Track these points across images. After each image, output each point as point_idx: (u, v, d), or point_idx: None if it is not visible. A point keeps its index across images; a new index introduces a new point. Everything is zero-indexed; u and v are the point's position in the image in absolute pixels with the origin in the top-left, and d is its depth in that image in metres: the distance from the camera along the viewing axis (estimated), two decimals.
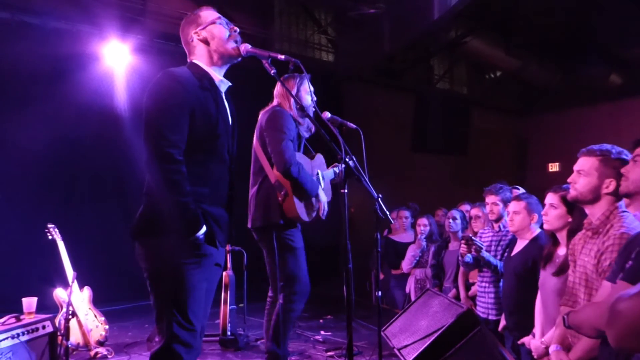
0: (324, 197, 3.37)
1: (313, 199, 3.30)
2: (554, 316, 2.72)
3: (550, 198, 2.86)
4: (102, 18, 6.09)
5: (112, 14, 6.13)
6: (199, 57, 2.29)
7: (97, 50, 6.21)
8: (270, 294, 3.44)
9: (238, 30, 2.33)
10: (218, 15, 2.32)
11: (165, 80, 2.15)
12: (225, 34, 2.28)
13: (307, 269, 3.28)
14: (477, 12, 8.60)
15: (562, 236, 2.85)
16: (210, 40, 2.27)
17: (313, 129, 3.37)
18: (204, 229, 2.09)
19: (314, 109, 3.12)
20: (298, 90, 3.28)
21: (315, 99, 3.12)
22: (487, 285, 3.82)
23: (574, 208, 2.68)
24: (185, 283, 2.09)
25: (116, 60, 6.34)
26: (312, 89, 3.25)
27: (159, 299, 2.13)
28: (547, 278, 2.91)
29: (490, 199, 4.00)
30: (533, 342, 2.90)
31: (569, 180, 2.43)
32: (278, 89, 3.34)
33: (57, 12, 6.03)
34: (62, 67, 5.94)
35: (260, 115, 3.32)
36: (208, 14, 2.32)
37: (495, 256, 3.80)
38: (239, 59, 2.32)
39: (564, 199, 2.76)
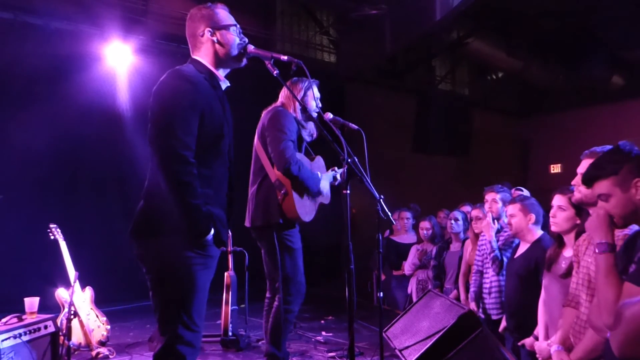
0: (326, 186, 3.38)
1: (313, 200, 3.30)
2: (558, 318, 2.71)
3: (558, 200, 2.84)
4: (104, 19, 6.10)
5: (114, 15, 6.15)
6: (204, 56, 2.27)
7: (99, 51, 6.22)
8: (268, 295, 3.42)
9: (247, 40, 2.33)
10: (234, 22, 2.31)
11: (176, 80, 2.13)
12: (236, 42, 2.28)
13: (303, 270, 3.28)
14: (479, 13, 8.59)
15: (569, 238, 2.82)
16: (224, 45, 2.26)
17: (315, 135, 3.38)
18: (212, 231, 2.09)
19: (317, 114, 3.12)
20: (305, 94, 3.27)
21: (320, 105, 3.12)
22: (490, 284, 3.82)
23: (583, 210, 2.66)
24: (194, 284, 2.09)
25: (118, 61, 6.35)
26: (319, 95, 3.26)
27: (165, 300, 2.12)
28: (552, 280, 2.89)
29: (490, 196, 4.03)
30: (537, 343, 2.89)
31: (573, 182, 2.43)
32: (285, 90, 3.34)
33: (59, 13, 6.04)
34: (64, 67, 5.95)
35: (262, 115, 3.32)
36: (225, 16, 2.31)
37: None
38: (242, 65, 2.33)
39: (572, 201, 2.75)
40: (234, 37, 2.28)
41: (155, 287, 2.14)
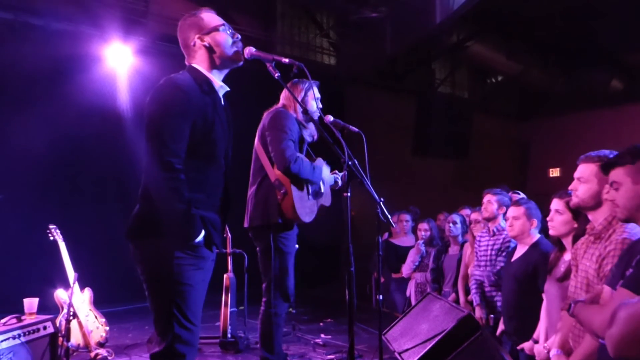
0: (328, 178, 3.38)
1: (313, 201, 3.30)
2: (557, 322, 2.72)
3: (556, 204, 2.85)
4: (104, 20, 6.10)
5: (114, 16, 6.15)
6: (200, 62, 2.28)
7: (100, 52, 6.22)
8: (263, 298, 3.38)
9: (240, 37, 2.32)
10: (222, 21, 2.31)
11: (168, 88, 2.15)
12: (229, 41, 2.27)
13: (293, 275, 3.25)
14: (479, 17, 8.61)
15: (568, 242, 2.84)
16: (215, 47, 2.25)
17: (316, 137, 3.38)
18: (202, 233, 2.12)
19: (318, 115, 3.13)
20: (305, 95, 3.27)
21: (321, 106, 3.13)
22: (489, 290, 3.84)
23: (580, 214, 2.68)
24: (185, 284, 2.11)
25: (118, 62, 6.35)
26: (319, 96, 3.26)
27: (160, 300, 2.15)
28: (552, 284, 2.90)
29: (486, 197, 4.04)
30: (536, 346, 2.90)
31: (570, 187, 2.45)
32: (285, 92, 3.34)
33: (60, 14, 6.04)
34: (65, 68, 5.95)
35: (264, 116, 3.33)
36: (211, 18, 2.30)
37: (493, 261, 3.82)
38: (240, 64, 2.33)
39: (569, 205, 2.76)
40: (225, 36, 2.27)
41: (150, 287, 2.17)
